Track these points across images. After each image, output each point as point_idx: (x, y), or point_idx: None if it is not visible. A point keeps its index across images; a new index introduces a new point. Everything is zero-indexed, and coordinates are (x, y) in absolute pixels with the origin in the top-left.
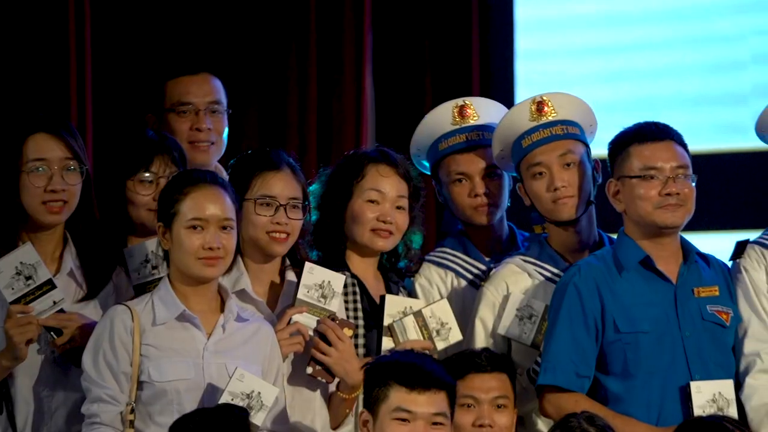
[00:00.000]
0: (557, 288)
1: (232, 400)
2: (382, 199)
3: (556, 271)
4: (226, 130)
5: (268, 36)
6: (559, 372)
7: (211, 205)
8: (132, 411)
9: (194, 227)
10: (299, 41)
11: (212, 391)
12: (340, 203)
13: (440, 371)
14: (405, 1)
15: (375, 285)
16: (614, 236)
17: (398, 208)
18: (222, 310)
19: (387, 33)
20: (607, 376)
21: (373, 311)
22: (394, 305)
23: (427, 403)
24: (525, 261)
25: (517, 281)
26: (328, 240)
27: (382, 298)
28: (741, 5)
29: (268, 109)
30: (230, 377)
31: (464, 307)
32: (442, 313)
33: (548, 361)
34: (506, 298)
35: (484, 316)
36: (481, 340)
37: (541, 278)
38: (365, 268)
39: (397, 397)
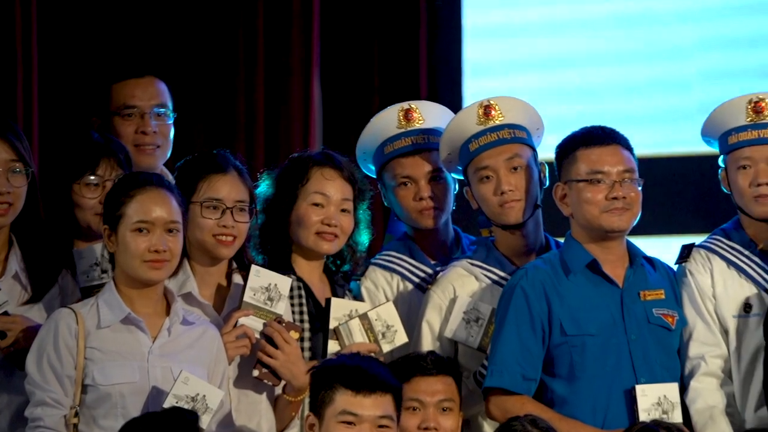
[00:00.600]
0: (504, 291)
1: (177, 403)
2: (327, 203)
3: (503, 274)
4: (172, 132)
5: (216, 38)
6: (505, 375)
7: (157, 207)
8: (76, 414)
9: (140, 230)
10: (247, 44)
11: (157, 394)
12: (285, 206)
13: (386, 374)
14: (353, 5)
15: (320, 288)
16: (561, 240)
17: (343, 211)
18: (168, 314)
19: (335, 36)
20: (553, 379)
21: (319, 314)
22: (340, 308)
23: (372, 406)
24: (472, 264)
25: (464, 284)
26: (273, 243)
27: (328, 301)
28: (688, 19)
29: (215, 112)
30: (175, 380)
31: (410, 310)
32: (387, 315)
33: (495, 363)
34: (453, 301)
35: (431, 319)
36: (427, 344)
37: (488, 281)
38: (311, 272)
39: (343, 400)
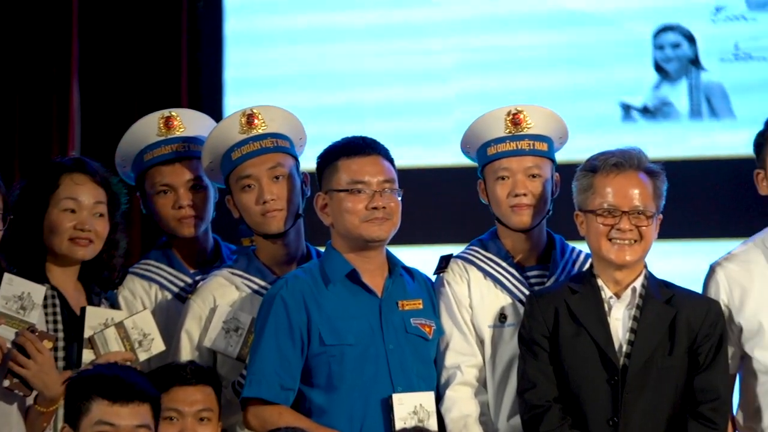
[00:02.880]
0: (264, 300)
1: None
2: (79, 208)
3: (263, 283)
4: None
5: None
6: (263, 384)
7: None
8: None
9: None
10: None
11: None
12: (37, 214)
13: (144, 383)
14: (114, 9)
15: (76, 296)
16: (322, 249)
17: (97, 215)
18: None
19: (95, 41)
20: (311, 389)
21: (74, 323)
22: (95, 317)
23: (129, 415)
24: (233, 274)
25: (224, 294)
26: (25, 252)
27: (83, 309)
28: (448, 21)
29: None
30: None
31: (168, 319)
32: (144, 324)
33: (253, 373)
34: (213, 310)
35: (190, 329)
36: (186, 353)
37: (249, 291)
38: (65, 280)
39: (99, 409)
